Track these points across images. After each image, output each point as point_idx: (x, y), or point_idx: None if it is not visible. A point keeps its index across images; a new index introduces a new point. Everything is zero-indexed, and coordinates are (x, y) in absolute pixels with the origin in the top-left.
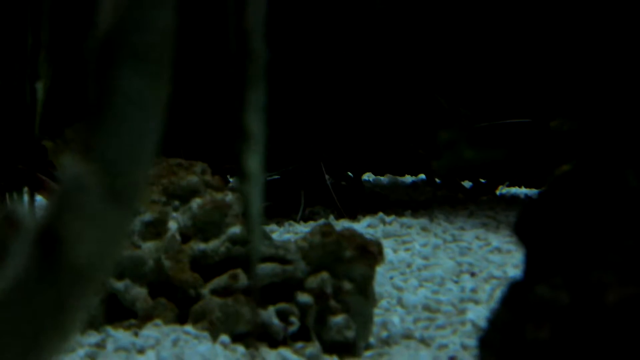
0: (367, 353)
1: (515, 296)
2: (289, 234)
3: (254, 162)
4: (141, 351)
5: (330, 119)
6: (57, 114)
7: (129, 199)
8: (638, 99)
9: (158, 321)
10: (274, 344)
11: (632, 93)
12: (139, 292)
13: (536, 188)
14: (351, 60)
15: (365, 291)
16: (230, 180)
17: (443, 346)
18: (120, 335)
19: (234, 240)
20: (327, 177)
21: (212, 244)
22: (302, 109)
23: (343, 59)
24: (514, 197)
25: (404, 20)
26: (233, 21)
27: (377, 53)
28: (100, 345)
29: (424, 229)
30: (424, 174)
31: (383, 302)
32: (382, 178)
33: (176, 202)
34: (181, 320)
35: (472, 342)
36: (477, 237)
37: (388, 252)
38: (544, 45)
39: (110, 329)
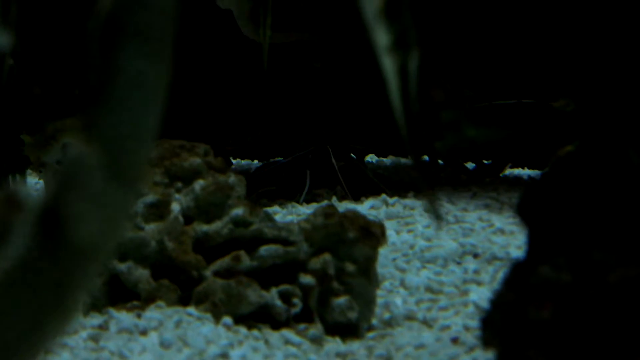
0: (370, 334)
1: (517, 277)
2: (292, 215)
3: (382, 36)
4: (144, 333)
5: (334, 101)
6: (38, 109)
7: (132, 179)
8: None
9: (161, 303)
10: (276, 325)
11: (634, 73)
12: (142, 274)
13: (539, 169)
14: (355, 42)
15: (367, 273)
16: (233, 162)
17: (445, 327)
18: (123, 316)
19: (236, 222)
20: (332, 159)
21: (215, 225)
22: (306, 92)
23: (346, 42)
24: (517, 178)
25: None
26: None
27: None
28: (103, 327)
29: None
30: (427, 155)
31: (386, 284)
32: (385, 159)
33: (179, 184)
34: (184, 301)
35: (474, 323)
36: (480, 219)
37: (391, 233)
38: (547, 26)
39: (113, 311)
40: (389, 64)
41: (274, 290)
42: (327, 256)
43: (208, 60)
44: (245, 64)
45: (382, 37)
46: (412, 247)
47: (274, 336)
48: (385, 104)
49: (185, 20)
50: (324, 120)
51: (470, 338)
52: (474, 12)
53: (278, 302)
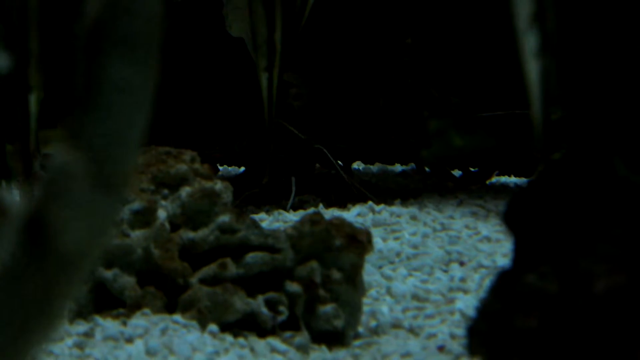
0: (356, 342)
1: (504, 285)
2: (279, 222)
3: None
4: (129, 340)
5: (321, 107)
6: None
7: (118, 186)
8: (626, 88)
9: (147, 310)
10: (262, 333)
11: (621, 82)
12: (128, 281)
13: (526, 177)
14: (342, 50)
15: (354, 280)
16: (220, 169)
17: (432, 335)
18: (108, 324)
19: (223, 229)
20: (318, 165)
21: (201, 232)
22: (294, 97)
23: (333, 49)
24: (504, 186)
25: (394, 9)
26: None
27: (367, 43)
28: (89, 335)
29: (413, 217)
30: (414, 162)
31: (372, 292)
32: (371, 167)
33: (165, 191)
34: (170, 309)
35: (461, 331)
36: (467, 226)
37: (377, 241)
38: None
39: (98, 318)
40: (534, 68)
41: (260, 298)
42: (313, 264)
43: (196, 67)
44: (235, 72)
45: (531, 41)
46: (398, 254)
47: (259, 344)
48: (373, 113)
49: (173, 25)
50: (310, 127)
51: (457, 346)
52: (463, 18)
53: (264, 310)
